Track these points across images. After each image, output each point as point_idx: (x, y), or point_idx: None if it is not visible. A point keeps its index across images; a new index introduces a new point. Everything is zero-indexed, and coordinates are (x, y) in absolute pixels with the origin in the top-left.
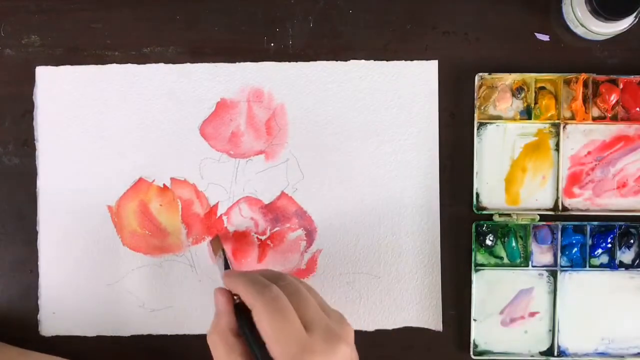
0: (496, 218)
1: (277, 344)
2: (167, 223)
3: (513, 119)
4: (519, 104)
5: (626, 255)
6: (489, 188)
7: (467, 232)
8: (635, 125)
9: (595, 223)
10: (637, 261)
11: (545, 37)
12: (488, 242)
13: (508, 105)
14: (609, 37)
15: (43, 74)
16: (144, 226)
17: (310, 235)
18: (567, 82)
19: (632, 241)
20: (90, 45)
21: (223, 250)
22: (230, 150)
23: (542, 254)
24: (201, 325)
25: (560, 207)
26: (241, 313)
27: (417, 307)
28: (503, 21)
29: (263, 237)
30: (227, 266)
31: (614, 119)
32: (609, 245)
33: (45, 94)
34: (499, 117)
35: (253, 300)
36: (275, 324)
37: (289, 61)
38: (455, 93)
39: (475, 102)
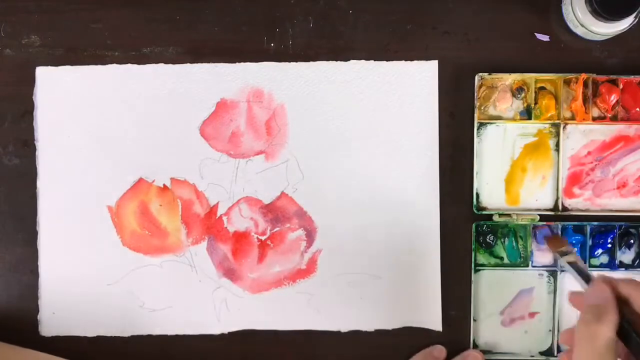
0: (496, 218)
1: None
2: (167, 223)
3: (513, 119)
4: (519, 104)
5: (626, 256)
6: (489, 188)
7: (467, 232)
8: (635, 126)
9: (595, 223)
10: (637, 261)
11: (545, 37)
12: (488, 242)
13: (508, 105)
14: (609, 37)
15: (43, 74)
16: (144, 226)
17: (310, 235)
18: (567, 82)
19: (632, 241)
20: (90, 45)
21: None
22: (230, 151)
23: (542, 254)
24: (201, 325)
25: (560, 207)
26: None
27: (417, 307)
28: (503, 21)
29: (263, 237)
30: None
31: (614, 119)
32: (609, 246)
33: (45, 94)
34: (499, 117)
35: None
36: None
37: (289, 61)
38: (455, 93)
39: (475, 102)
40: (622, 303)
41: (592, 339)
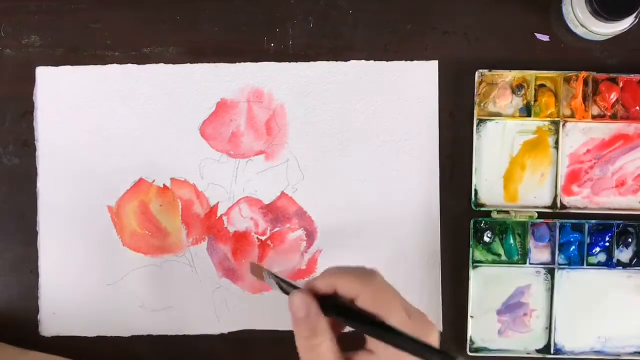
0: (494, 215)
1: (396, 312)
2: (167, 223)
3: (512, 116)
4: (518, 101)
5: (624, 254)
6: (488, 185)
7: (465, 228)
8: (635, 124)
9: (593, 221)
10: (635, 260)
11: (545, 38)
12: (486, 239)
13: (508, 102)
14: (609, 37)
15: (43, 74)
16: (144, 226)
17: (310, 235)
18: (567, 80)
19: (629, 240)
20: (90, 45)
21: (268, 271)
22: (230, 151)
23: (539, 252)
24: (201, 325)
25: (558, 205)
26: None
27: (417, 307)
28: (503, 21)
29: (263, 237)
30: (283, 281)
31: (614, 117)
32: (607, 244)
33: (45, 94)
34: (498, 114)
35: (359, 289)
36: (384, 304)
37: (289, 61)
38: (455, 93)
39: (475, 98)
40: (330, 297)
41: (313, 349)
